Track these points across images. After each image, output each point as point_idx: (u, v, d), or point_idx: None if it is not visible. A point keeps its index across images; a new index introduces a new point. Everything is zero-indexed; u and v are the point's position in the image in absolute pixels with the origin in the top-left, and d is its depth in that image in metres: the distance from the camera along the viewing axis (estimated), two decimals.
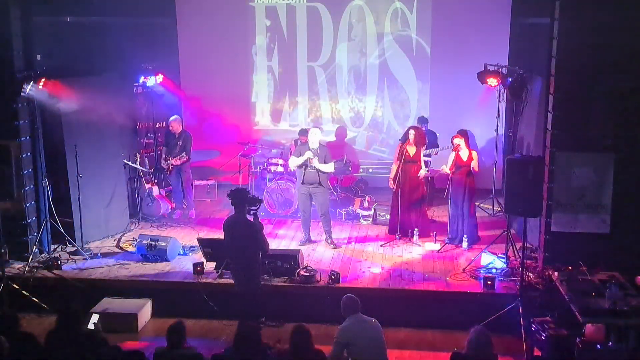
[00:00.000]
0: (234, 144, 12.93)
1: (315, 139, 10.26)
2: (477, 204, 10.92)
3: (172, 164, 11.80)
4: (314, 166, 10.14)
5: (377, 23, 13.30)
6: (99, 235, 10.81)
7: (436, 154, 11.81)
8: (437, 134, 12.32)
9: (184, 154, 11.78)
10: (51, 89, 9.77)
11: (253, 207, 7.83)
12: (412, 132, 10.49)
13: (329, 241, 10.49)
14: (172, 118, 12.04)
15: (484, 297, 8.71)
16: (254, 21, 13.58)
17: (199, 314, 8.85)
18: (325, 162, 10.20)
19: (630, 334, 6.99)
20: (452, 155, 10.21)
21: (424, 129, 11.91)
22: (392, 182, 10.59)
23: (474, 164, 10.08)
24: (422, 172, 10.48)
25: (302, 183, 10.36)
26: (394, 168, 10.61)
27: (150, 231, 10.95)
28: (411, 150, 10.43)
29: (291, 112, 13.90)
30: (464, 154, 10.15)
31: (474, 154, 10.19)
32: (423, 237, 10.59)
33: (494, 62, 11.06)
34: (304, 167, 10.23)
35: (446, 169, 10.30)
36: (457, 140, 10.16)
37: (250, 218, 7.87)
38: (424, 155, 10.81)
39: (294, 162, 10.41)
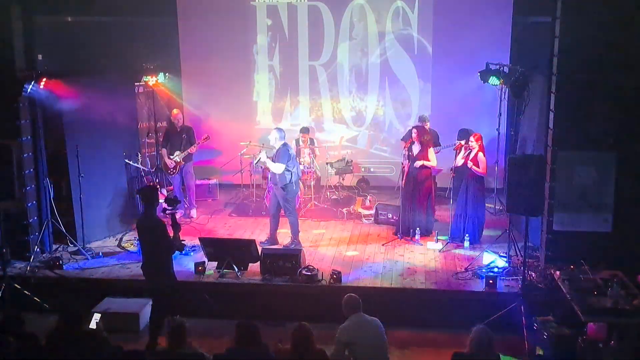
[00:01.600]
0: (235, 143, 12.91)
1: (271, 138, 10.28)
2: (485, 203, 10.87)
3: (182, 159, 11.71)
4: (263, 163, 10.28)
5: (379, 22, 13.28)
6: (101, 235, 10.82)
7: (437, 152, 11.77)
8: (437, 133, 12.28)
9: (195, 146, 11.79)
10: (52, 89, 9.77)
11: (169, 208, 7.84)
12: (413, 131, 10.51)
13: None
14: (174, 111, 12.05)
15: (486, 296, 8.72)
16: (255, 20, 13.57)
17: (200, 313, 8.84)
18: (273, 162, 10.16)
19: (632, 333, 6.99)
20: (461, 154, 10.19)
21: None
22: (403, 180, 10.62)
23: (482, 169, 10.06)
24: (419, 163, 10.43)
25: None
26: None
27: None
28: (415, 149, 10.43)
29: (292, 112, 13.89)
30: (471, 154, 10.12)
31: (480, 155, 10.14)
32: (425, 237, 10.58)
33: (495, 60, 11.04)
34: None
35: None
36: (471, 143, 10.11)
37: (168, 219, 7.83)
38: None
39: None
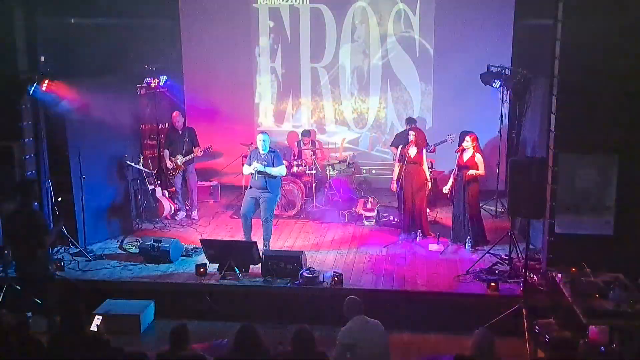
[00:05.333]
0: (237, 145, 12.92)
1: (260, 145, 10.19)
2: (481, 205, 10.89)
3: (183, 163, 11.73)
4: (261, 171, 10.06)
5: (381, 24, 13.29)
6: (102, 237, 10.82)
7: (433, 150, 11.75)
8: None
9: (207, 146, 11.79)
10: (54, 90, 9.78)
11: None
12: (411, 132, 10.49)
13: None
14: (174, 113, 12.04)
15: (488, 299, 8.70)
16: (257, 22, 13.59)
17: (201, 315, 8.84)
18: (274, 166, 10.12)
19: (634, 336, 6.97)
20: (458, 156, 10.21)
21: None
22: (394, 184, 10.59)
23: (481, 170, 10.08)
24: (447, 188, 10.47)
25: (250, 187, 10.30)
26: (396, 170, 10.61)
27: (153, 232, 10.97)
28: (412, 151, 10.42)
29: (294, 114, 13.90)
30: (467, 155, 10.15)
31: (478, 156, 10.16)
32: (426, 239, 10.58)
33: (497, 63, 11.05)
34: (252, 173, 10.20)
35: (446, 189, 10.43)
36: (465, 143, 10.13)
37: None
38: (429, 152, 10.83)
39: (245, 169, 10.43)
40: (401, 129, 12.95)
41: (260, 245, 10.05)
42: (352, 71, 13.57)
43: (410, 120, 12.15)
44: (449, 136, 11.49)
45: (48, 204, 10.12)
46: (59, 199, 8.41)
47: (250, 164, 10.22)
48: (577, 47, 8.33)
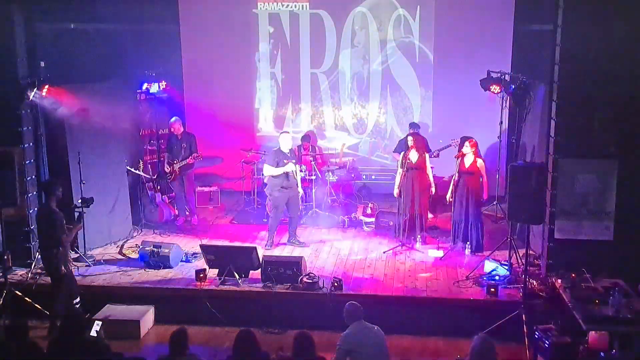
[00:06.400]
0: (236, 151, 12.94)
1: (288, 144, 10.46)
2: (482, 210, 10.88)
3: (178, 168, 11.77)
4: (294, 172, 10.46)
5: (380, 30, 13.31)
6: (102, 242, 10.80)
7: (455, 146, 11.71)
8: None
9: (195, 154, 11.80)
10: (54, 96, 9.79)
11: (80, 206, 8.60)
12: (409, 138, 10.49)
13: (294, 240, 10.73)
14: (172, 119, 12.01)
15: (487, 304, 8.69)
16: (257, 28, 13.60)
17: (201, 320, 8.84)
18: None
19: (634, 342, 6.97)
20: (457, 161, 10.20)
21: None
22: (397, 190, 10.59)
23: (483, 172, 10.09)
24: (449, 195, 10.44)
25: (283, 188, 10.44)
26: (398, 175, 10.61)
27: (153, 238, 10.95)
28: (413, 157, 10.42)
29: (294, 119, 13.91)
30: (468, 160, 10.15)
31: (480, 162, 10.16)
32: (426, 244, 10.57)
33: (497, 69, 11.06)
34: (283, 174, 10.37)
35: (449, 196, 10.44)
36: (465, 149, 10.13)
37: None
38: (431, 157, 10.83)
39: (271, 171, 10.43)
40: (402, 135, 12.98)
41: (279, 240, 10.70)
42: (352, 76, 13.59)
43: (413, 125, 12.17)
44: (453, 141, 11.49)
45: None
46: (79, 200, 8.55)
47: (278, 165, 10.35)
48: (577, 53, 8.35)
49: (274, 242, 10.65)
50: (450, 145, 11.58)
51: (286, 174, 10.38)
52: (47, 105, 9.82)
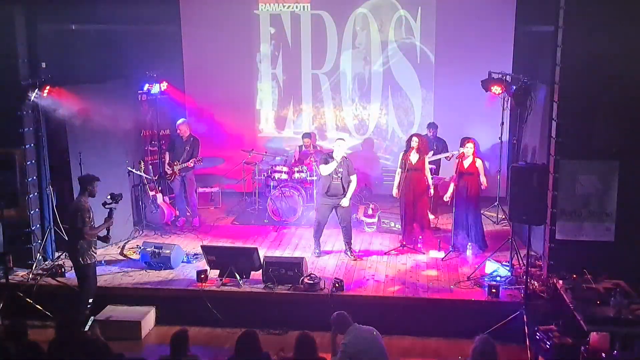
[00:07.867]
0: (238, 152, 12.94)
1: (340, 150, 10.13)
2: (482, 211, 10.89)
3: (178, 170, 11.78)
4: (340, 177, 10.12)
5: (382, 31, 13.31)
6: (103, 243, 10.77)
7: (449, 159, 11.76)
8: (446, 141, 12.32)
9: (196, 158, 11.81)
10: (56, 97, 9.78)
11: (110, 201, 8.59)
12: (415, 139, 10.45)
13: (349, 253, 10.33)
14: (180, 121, 12.03)
15: (489, 305, 8.69)
16: (259, 29, 13.61)
17: (202, 321, 8.85)
18: (349, 174, 10.19)
19: (635, 343, 6.96)
20: (457, 162, 10.22)
21: (430, 135, 11.99)
22: (396, 190, 10.58)
23: (482, 179, 10.10)
24: (447, 195, 10.48)
25: (327, 194, 10.20)
26: (397, 176, 10.60)
27: (154, 239, 10.95)
28: (413, 158, 10.40)
29: (295, 120, 13.91)
30: (468, 160, 10.15)
31: (479, 162, 10.17)
32: (427, 245, 10.57)
33: (498, 69, 11.04)
34: (331, 177, 10.09)
35: (447, 197, 10.46)
36: (466, 150, 10.13)
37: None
38: (431, 163, 10.79)
39: (325, 169, 10.16)
40: (402, 135, 13.00)
41: (328, 247, 10.53)
42: (353, 77, 13.59)
43: (431, 125, 12.17)
44: (453, 152, 11.46)
45: (48, 209, 10.10)
46: (109, 196, 8.57)
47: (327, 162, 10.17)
48: (578, 54, 8.34)
49: (320, 249, 10.49)
50: (447, 157, 11.69)
51: (330, 183, 10.12)
52: (48, 106, 9.81)
